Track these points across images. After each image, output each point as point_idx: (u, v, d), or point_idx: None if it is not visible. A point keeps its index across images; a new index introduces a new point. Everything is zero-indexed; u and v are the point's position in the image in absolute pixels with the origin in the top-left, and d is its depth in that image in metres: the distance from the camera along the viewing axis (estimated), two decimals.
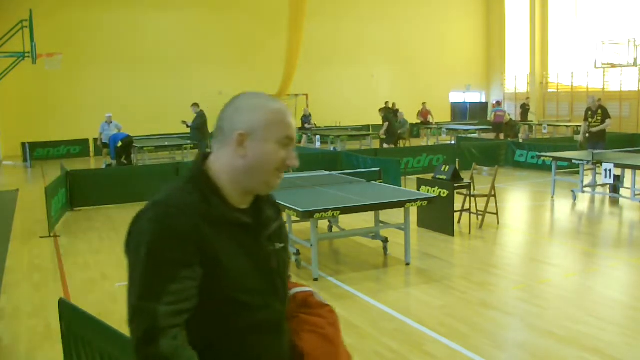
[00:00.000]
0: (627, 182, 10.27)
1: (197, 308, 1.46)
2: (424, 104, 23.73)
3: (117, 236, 8.70)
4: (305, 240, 6.57)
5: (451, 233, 8.03)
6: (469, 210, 8.51)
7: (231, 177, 1.55)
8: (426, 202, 6.66)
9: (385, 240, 7.16)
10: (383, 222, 7.51)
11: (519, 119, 24.26)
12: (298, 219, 6.57)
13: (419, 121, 23.83)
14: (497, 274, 6.42)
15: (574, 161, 10.50)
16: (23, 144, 19.92)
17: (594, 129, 11.51)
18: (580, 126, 19.30)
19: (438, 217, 8.16)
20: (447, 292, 5.83)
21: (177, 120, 18.09)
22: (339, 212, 6.44)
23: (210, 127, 16.86)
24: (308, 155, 14.06)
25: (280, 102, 1.61)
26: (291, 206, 6.25)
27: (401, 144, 19.05)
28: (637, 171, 9.50)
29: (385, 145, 16.96)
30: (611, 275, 6.42)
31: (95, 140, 20.24)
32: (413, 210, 8.14)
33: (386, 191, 7.38)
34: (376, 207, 6.79)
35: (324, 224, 8.12)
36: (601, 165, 9.74)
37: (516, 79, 29.55)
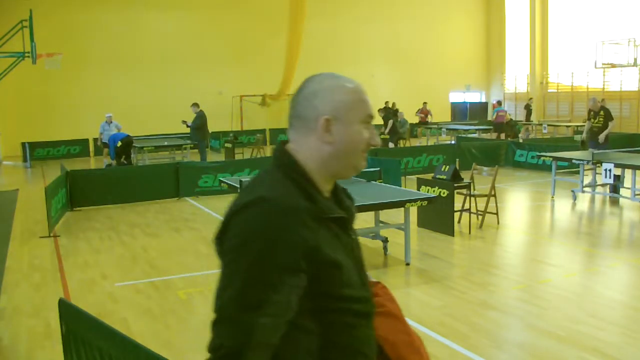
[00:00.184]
0: (627, 182, 10.27)
1: (299, 314, 1.37)
2: (424, 103, 23.70)
3: (117, 236, 8.71)
4: None
5: (451, 233, 8.03)
6: (469, 210, 8.50)
7: (319, 165, 1.47)
8: (426, 202, 6.66)
9: (385, 240, 7.16)
10: (383, 222, 7.51)
11: (524, 119, 24.29)
12: None
13: (417, 120, 23.78)
14: (497, 274, 6.42)
15: (574, 161, 10.50)
16: (23, 144, 19.92)
17: (596, 129, 11.51)
18: (580, 126, 19.28)
19: (438, 217, 8.16)
20: (447, 292, 5.83)
21: (177, 120, 18.09)
22: None
23: (211, 127, 17.05)
24: None
25: (352, 79, 1.54)
26: None
27: (401, 143, 19.06)
28: (637, 171, 9.50)
29: (390, 145, 16.99)
30: (611, 275, 6.42)
31: (95, 140, 20.25)
32: (413, 210, 8.14)
33: (386, 191, 7.38)
34: (376, 207, 6.79)
35: None
36: (601, 165, 9.74)
37: (516, 79, 29.55)
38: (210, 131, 17.29)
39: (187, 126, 16.42)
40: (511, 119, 22.20)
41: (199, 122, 16.09)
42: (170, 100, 23.13)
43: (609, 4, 24.75)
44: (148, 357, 2.35)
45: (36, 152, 20.73)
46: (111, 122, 16.65)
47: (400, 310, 1.69)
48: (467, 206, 8.57)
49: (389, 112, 18.39)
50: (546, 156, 11.33)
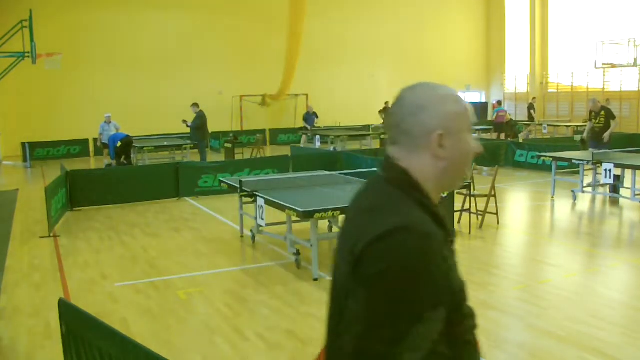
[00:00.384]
0: (627, 182, 10.27)
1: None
2: None
3: (117, 236, 8.71)
4: (305, 240, 6.57)
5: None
6: (469, 210, 8.50)
7: (434, 182, 1.42)
8: None
9: None
10: None
11: (527, 119, 24.29)
12: (298, 219, 6.58)
13: None
14: (497, 274, 6.42)
15: (574, 161, 10.50)
16: (23, 144, 19.92)
17: (597, 129, 11.50)
18: (580, 126, 19.27)
19: None
20: None
21: (177, 120, 18.10)
22: (339, 212, 6.44)
23: (211, 127, 17.05)
24: (308, 155, 14.06)
25: (448, 87, 1.50)
26: (291, 206, 6.25)
27: None
28: (637, 171, 9.50)
29: None
30: (611, 275, 6.42)
31: (95, 140, 20.24)
32: None
33: None
34: None
35: (324, 224, 8.12)
36: (601, 165, 9.74)
37: (516, 79, 29.55)
38: (210, 131, 17.29)
39: (187, 126, 16.43)
40: (511, 119, 22.20)
41: (199, 122, 16.09)
42: (170, 100, 23.12)
43: (609, 4, 24.75)
44: (148, 357, 2.35)
45: (36, 152, 20.72)
46: (110, 122, 16.66)
47: None
48: (467, 206, 8.57)
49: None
50: (546, 156, 11.32)
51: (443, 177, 1.43)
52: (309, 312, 5.35)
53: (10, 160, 20.61)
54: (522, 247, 7.91)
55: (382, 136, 18.91)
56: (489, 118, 25.47)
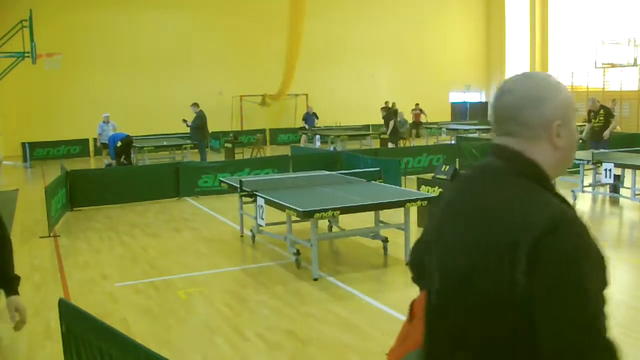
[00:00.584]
0: (627, 182, 10.27)
1: None
2: (417, 104, 23.60)
3: (117, 236, 8.70)
4: (305, 240, 6.57)
5: None
6: None
7: (552, 172, 1.45)
8: (426, 202, 6.66)
9: (385, 240, 7.16)
10: (383, 222, 7.50)
11: None
12: (298, 218, 6.58)
13: (411, 121, 23.66)
14: None
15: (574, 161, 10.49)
16: (23, 144, 19.93)
17: (597, 128, 11.50)
18: (580, 126, 19.30)
19: None
20: None
21: (177, 120, 18.11)
22: (339, 212, 6.45)
23: (211, 127, 17.05)
24: (308, 155, 14.06)
25: (551, 75, 1.52)
26: (291, 206, 6.25)
27: (401, 143, 19.06)
28: (637, 171, 9.50)
29: (390, 145, 16.99)
30: (611, 275, 6.40)
31: (95, 140, 20.24)
32: (413, 210, 8.13)
33: (386, 191, 7.38)
34: (376, 207, 6.80)
35: (324, 223, 8.12)
36: (601, 165, 9.73)
37: None
38: (210, 131, 17.30)
39: (187, 126, 16.44)
40: None
41: (199, 122, 16.10)
42: (170, 100, 23.13)
43: (609, 4, 24.75)
44: (148, 357, 2.35)
45: (36, 152, 20.73)
46: (108, 121, 16.69)
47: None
48: None
49: (390, 112, 18.40)
50: None
51: (559, 166, 1.46)
52: (309, 312, 5.35)
53: (10, 160, 20.62)
54: None
55: (382, 136, 18.91)
56: (489, 118, 25.44)
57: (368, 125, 24.55)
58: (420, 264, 1.66)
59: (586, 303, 1.28)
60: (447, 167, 8.35)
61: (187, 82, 23.70)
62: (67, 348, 2.99)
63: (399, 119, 19.29)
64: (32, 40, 17.45)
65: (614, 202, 10.44)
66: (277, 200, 6.61)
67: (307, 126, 21.92)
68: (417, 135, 23.18)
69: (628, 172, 10.09)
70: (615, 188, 10.48)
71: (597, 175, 10.68)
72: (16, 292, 2.91)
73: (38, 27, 18.06)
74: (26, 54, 17.70)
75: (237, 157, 17.14)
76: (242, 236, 8.34)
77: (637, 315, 5.17)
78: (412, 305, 1.67)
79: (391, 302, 5.53)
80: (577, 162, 10.41)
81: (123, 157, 14.99)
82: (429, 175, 9.08)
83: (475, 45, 30.58)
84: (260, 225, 7.40)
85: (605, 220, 9.26)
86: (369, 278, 6.37)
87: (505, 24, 29.95)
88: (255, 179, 8.99)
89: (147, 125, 22.01)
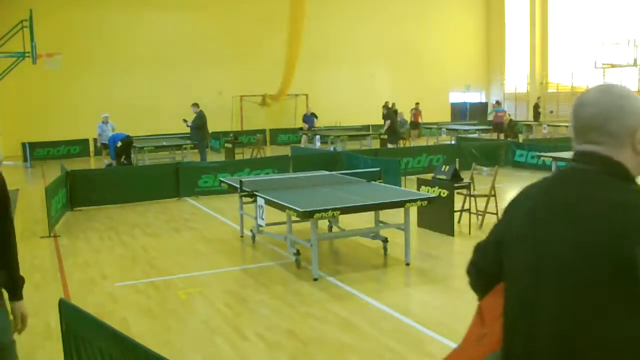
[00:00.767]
0: None
1: None
2: (417, 104, 23.59)
3: (117, 236, 8.71)
4: (305, 240, 6.58)
5: (451, 233, 8.03)
6: (469, 210, 8.50)
7: (634, 174, 1.58)
8: (426, 202, 6.66)
9: (385, 240, 7.16)
10: (383, 222, 7.51)
11: (532, 119, 24.26)
12: (298, 219, 6.58)
13: (409, 121, 23.63)
14: None
15: None
16: (23, 144, 19.94)
17: None
18: None
19: (438, 217, 8.16)
20: (447, 292, 5.83)
21: (177, 120, 18.12)
22: (339, 212, 6.45)
23: (211, 127, 17.05)
24: (308, 156, 14.06)
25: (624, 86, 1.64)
26: (291, 206, 6.25)
27: (401, 143, 19.07)
28: None
29: (389, 145, 16.98)
30: None
31: (95, 140, 20.25)
32: (413, 210, 8.13)
33: (386, 191, 7.38)
34: (376, 207, 6.80)
35: (324, 224, 8.12)
36: None
37: (516, 79, 29.56)
38: (210, 131, 17.30)
39: (188, 126, 16.45)
40: (511, 120, 22.17)
41: (199, 122, 16.11)
42: (170, 100, 23.13)
43: (609, 4, 24.75)
44: (148, 356, 2.35)
45: (36, 152, 20.74)
46: (107, 122, 16.71)
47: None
48: (467, 206, 8.57)
49: (390, 112, 18.40)
50: (546, 156, 11.32)
51: (637, 168, 1.58)
52: (309, 312, 5.35)
53: (10, 160, 20.61)
54: None
55: (381, 136, 18.91)
56: (489, 118, 25.48)
57: (368, 126, 24.55)
58: (486, 268, 1.84)
59: None
60: (447, 167, 8.36)
61: (187, 82, 23.70)
62: (67, 348, 2.99)
63: (398, 119, 19.30)
64: (32, 40, 17.45)
65: None
66: (277, 201, 6.61)
67: (306, 126, 21.86)
68: (419, 135, 23.19)
69: None
70: None
71: None
72: (21, 297, 2.93)
73: (38, 27, 18.05)
74: (26, 54, 17.71)
75: (237, 157, 17.14)
76: (242, 236, 8.35)
77: None
78: (480, 307, 1.77)
79: (391, 302, 5.53)
80: None
81: (123, 157, 15.00)
82: (428, 176, 9.08)
83: (475, 45, 30.59)
84: (260, 226, 7.40)
85: None
86: (369, 278, 6.37)
87: (505, 24, 29.96)
88: (255, 179, 8.99)
89: (147, 125, 22.02)
